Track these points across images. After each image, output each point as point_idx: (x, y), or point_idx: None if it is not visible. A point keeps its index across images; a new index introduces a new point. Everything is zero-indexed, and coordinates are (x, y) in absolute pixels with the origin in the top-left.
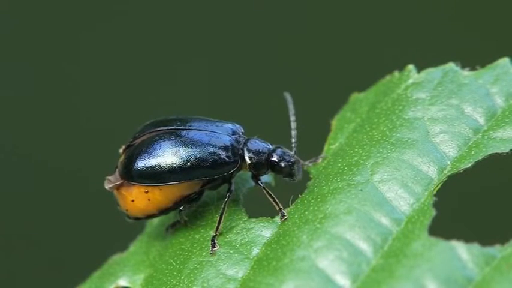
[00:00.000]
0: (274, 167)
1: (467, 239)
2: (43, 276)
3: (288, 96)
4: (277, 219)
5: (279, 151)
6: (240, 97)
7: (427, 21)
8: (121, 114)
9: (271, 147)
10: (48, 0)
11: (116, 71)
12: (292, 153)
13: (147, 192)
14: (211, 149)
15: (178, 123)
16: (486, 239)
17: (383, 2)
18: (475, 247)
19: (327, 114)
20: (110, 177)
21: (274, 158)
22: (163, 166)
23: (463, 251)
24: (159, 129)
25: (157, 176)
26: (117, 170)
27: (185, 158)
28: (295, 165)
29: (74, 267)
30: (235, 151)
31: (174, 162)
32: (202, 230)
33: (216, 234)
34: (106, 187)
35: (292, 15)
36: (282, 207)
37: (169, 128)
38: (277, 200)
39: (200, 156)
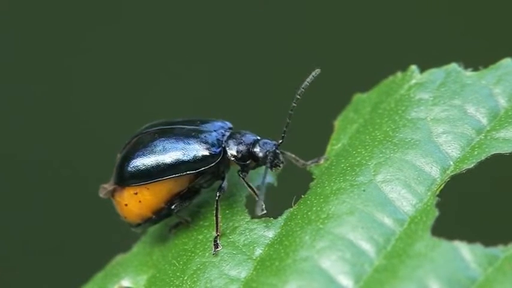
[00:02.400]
0: (255, 157)
1: (470, 239)
2: (46, 277)
3: (314, 74)
4: (280, 219)
5: (261, 142)
6: (240, 98)
7: (429, 21)
8: (124, 114)
9: (257, 138)
10: (49, 2)
11: (117, 72)
12: (273, 143)
13: (136, 193)
14: (192, 143)
15: (165, 124)
16: (489, 239)
17: (385, 3)
18: (478, 247)
19: (330, 114)
20: (105, 185)
21: (255, 149)
22: (147, 164)
23: (466, 252)
24: (145, 131)
25: (142, 175)
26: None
27: (167, 153)
28: (275, 154)
29: (77, 268)
30: (218, 144)
31: (157, 158)
32: (205, 231)
33: (218, 234)
34: (100, 195)
35: (294, 15)
36: (261, 199)
37: (155, 128)
38: (256, 192)
39: (181, 150)
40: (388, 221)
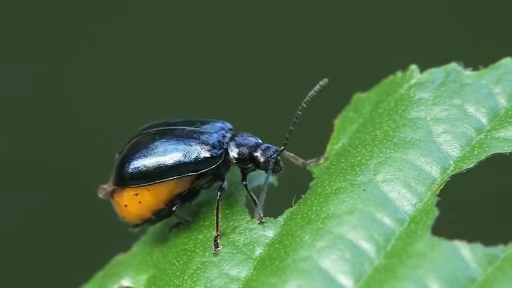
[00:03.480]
0: (256, 161)
1: (470, 239)
2: (46, 276)
3: (321, 83)
4: (280, 219)
5: (263, 146)
6: (241, 98)
7: (429, 21)
8: (125, 114)
9: (258, 141)
10: (49, 1)
11: (117, 72)
12: (275, 148)
13: (136, 194)
14: (194, 145)
15: (165, 125)
16: (489, 239)
17: (385, 2)
18: (478, 247)
19: (330, 114)
20: (104, 186)
21: (257, 153)
22: (148, 165)
23: (466, 251)
24: (145, 132)
25: (143, 176)
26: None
27: (168, 155)
28: (276, 161)
29: (77, 267)
30: (219, 145)
31: (158, 160)
32: (206, 230)
33: (218, 234)
34: (99, 195)
35: (294, 15)
36: (261, 209)
37: (155, 129)
38: (257, 202)
39: (183, 152)
40: (388, 220)
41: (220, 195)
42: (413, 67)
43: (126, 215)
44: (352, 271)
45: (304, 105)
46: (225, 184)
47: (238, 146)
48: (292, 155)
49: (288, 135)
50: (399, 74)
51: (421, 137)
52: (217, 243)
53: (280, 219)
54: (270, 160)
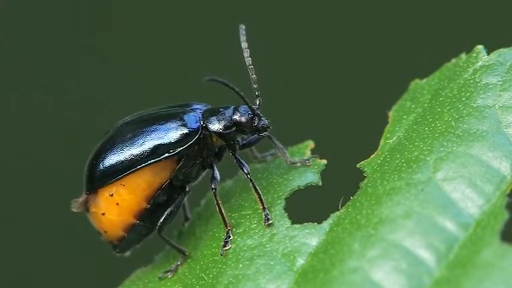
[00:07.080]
0: (239, 125)
1: None
2: None
3: (241, 28)
4: (325, 224)
5: (240, 108)
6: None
7: None
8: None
9: (234, 106)
10: None
11: (115, 69)
12: (250, 106)
13: (112, 195)
14: (167, 123)
15: (130, 117)
16: None
17: None
18: None
19: (384, 104)
20: (76, 199)
21: (236, 116)
22: (118, 154)
23: None
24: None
25: (115, 169)
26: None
27: (139, 139)
28: (257, 116)
29: (95, 283)
30: (196, 120)
31: (128, 146)
32: (239, 239)
33: (229, 229)
34: (73, 209)
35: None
36: (266, 206)
37: (120, 122)
38: (262, 198)
39: (155, 132)
40: (450, 225)
41: (214, 187)
42: (480, 48)
43: (107, 227)
44: (408, 284)
45: (247, 54)
46: (216, 173)
47: (216, 118)
48: (281, 147)
49: (254, 86)
50: (463, 56)
51: (489, 128)
52: (227, 241)
53: (325, 224)
54: (252, 117)
